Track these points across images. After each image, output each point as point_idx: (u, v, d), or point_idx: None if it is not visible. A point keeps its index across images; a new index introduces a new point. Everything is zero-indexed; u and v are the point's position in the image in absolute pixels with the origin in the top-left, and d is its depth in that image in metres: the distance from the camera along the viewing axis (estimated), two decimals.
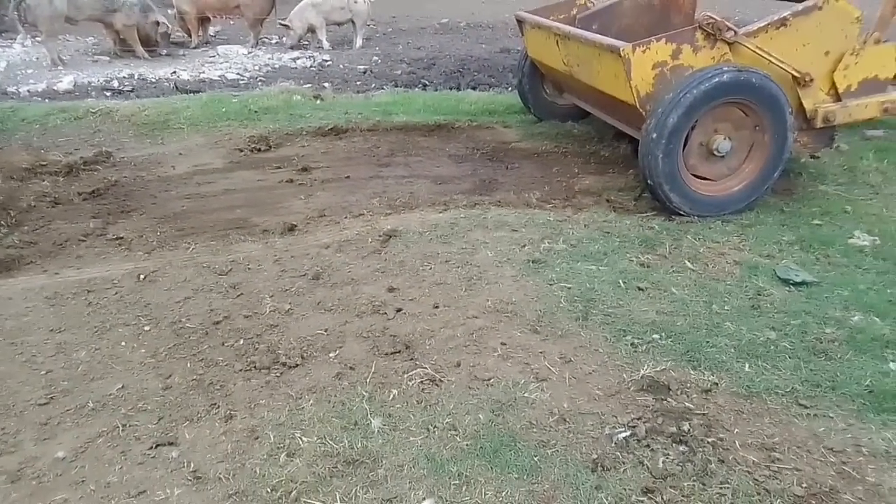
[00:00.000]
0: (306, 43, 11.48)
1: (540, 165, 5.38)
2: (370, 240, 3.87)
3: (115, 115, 6.48)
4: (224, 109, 6.56)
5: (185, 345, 2.97)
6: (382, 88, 8.43)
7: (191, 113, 6.47)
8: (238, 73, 9.19)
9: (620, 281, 3.40)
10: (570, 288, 3.32)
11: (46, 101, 7.54)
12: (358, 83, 8.89)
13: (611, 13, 6.04)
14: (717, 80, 3.97)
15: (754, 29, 4.22)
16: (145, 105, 6.68)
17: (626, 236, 3.92)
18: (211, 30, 11.88)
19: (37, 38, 9.76)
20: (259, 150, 5.72)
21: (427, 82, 8.91)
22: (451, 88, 8.55)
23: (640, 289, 3.34)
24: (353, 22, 11.06)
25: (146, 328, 3.10)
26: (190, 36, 11.24)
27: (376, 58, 10.60)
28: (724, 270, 3.53)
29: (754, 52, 4.20)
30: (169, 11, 11.04)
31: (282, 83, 7.92)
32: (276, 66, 9.86)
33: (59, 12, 9.02)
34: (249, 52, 10.59)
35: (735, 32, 4.13)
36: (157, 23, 10.03)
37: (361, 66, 9.93)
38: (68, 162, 5.34)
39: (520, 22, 5.94)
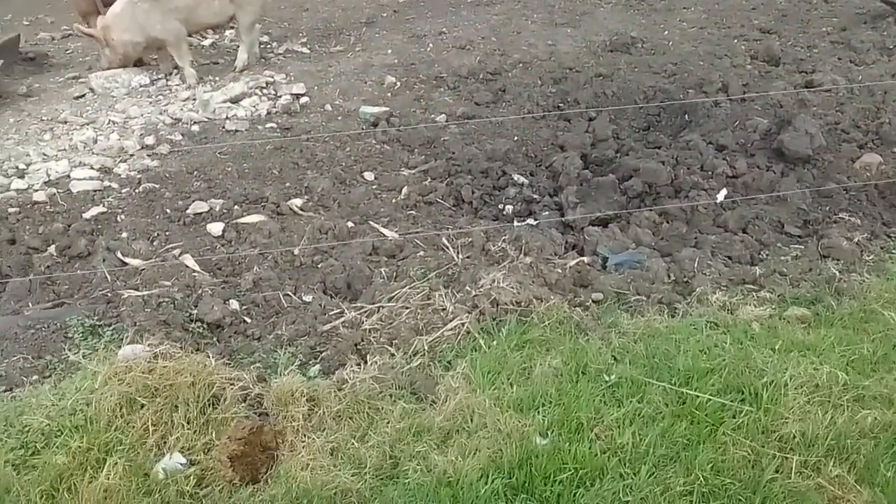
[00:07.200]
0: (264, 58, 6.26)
1: None
2: None
3: None
4: None
5: None
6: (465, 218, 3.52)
7: None
8: (100, 169, 4.27)
9: None
10: None
11: None
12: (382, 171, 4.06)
13: None
14: None
15: None
16: None
17: None
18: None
19: None
20: None
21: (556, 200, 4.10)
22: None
23: None
24: (235, 19, 5.59)
25: None
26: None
27: (390, 76, 5.62)
28: None
29: None
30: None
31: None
32: (196, 127, 4.85)
33: None
34: (155, 81, 5.56)
35: None
36: None
37: (369, 109, 5.05)
38: None
39: None
